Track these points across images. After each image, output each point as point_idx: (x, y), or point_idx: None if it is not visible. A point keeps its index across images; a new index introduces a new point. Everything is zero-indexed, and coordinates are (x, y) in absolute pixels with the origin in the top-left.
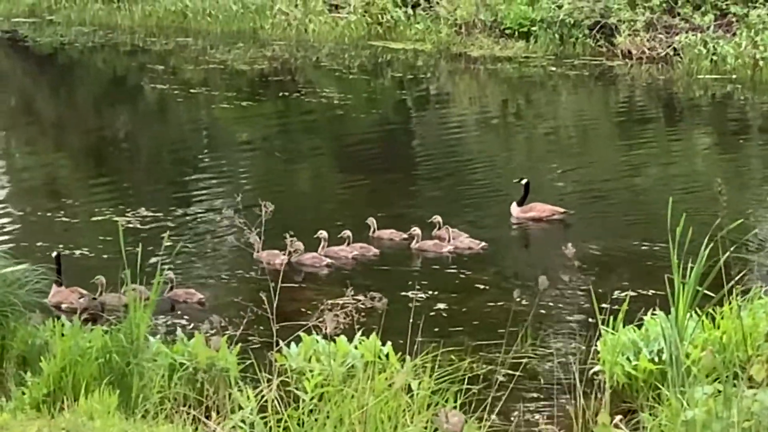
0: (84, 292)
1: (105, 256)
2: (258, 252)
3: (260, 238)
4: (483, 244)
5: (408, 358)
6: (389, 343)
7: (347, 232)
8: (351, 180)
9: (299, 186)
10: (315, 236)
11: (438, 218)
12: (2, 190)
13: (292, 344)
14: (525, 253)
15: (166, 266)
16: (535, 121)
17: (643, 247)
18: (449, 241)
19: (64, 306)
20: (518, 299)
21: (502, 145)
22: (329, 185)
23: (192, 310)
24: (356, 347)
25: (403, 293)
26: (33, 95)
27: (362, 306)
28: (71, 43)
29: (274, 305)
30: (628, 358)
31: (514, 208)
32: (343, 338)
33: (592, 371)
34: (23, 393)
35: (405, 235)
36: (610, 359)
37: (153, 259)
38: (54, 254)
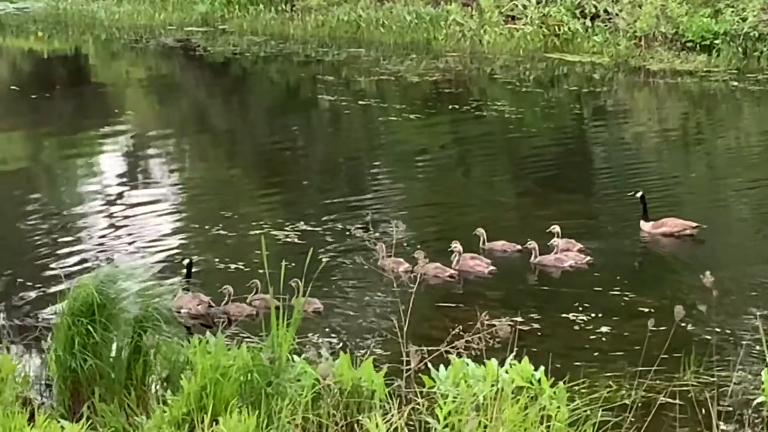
0: (205, 298)
1: (261, 270)
2: (382, 260)
3: (386, 249)
4: (588, 258)
5: (561, 384)
6: (542, 367)
7: (457, 246)
8: (510, 193)
9: (459, 197)
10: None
11: (556, 229)
12: (168, 198)
13: (441, 367)
14: (673, 274)
15: (307, 281)
16: (714, 137)
17: None
18: (557, 252)
19: (183, 311)
20: (679, 322)
21: (677, 160)
22: (489, 197)
23: (307, 320)
24: (507, 371)
25: (527, 313)
26: (205, 104)
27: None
28: (243, 52)
29: (405, 329)
30: None
31: (644, 224)
32: (493, 361)
33: (756, 402)
34: (163, 411)
35: (519, 247)
36: None
37: (297, 274)
38: (186, 261)
